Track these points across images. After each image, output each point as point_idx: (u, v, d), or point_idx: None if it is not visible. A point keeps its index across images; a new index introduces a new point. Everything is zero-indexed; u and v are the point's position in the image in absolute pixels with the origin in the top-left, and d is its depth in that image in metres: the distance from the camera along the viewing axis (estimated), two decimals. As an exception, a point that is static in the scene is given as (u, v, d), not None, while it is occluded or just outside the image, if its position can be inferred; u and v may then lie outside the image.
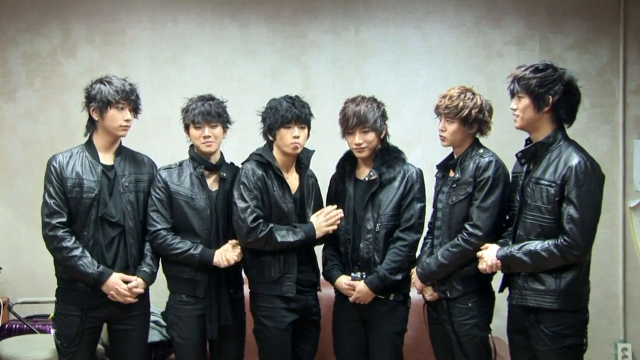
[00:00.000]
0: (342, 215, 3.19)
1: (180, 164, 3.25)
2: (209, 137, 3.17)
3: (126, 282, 3.09)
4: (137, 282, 3.11)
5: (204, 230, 3.17)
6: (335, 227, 3.19)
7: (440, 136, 3.06)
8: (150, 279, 3.17)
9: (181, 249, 3.14)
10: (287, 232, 3.11)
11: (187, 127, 3.24)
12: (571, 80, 2.73)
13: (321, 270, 3.36)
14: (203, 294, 3.16)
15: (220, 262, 3.11)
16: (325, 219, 3.18)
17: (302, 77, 4.58)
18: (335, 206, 3.22)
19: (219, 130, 3.21)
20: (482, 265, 2.86)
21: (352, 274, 3.16)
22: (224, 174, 3.24)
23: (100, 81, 3.13)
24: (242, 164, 3.24)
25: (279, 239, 3.08)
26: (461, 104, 2.96)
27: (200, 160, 3.22)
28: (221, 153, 3.31)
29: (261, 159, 3.15)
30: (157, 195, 3.18)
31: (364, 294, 3.13)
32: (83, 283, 3.05)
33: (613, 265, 4.42)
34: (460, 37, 4.56)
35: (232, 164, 3.34)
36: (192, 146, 3.28)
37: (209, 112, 3.16)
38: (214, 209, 3.18)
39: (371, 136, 3.16)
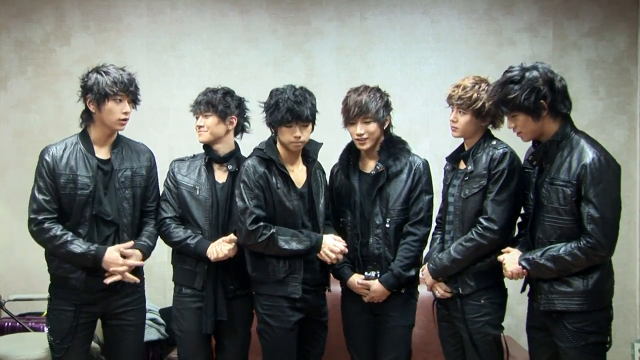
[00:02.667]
0: (342, 256, 3.10)
1: (195, 156, 3.30)
2: (201, 126, 3.20)
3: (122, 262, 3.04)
4: (134, 252, 3.05)
5: (205, 222, 3.17)
6: (331, 259, 3.09)
7: (452, 127, 3.01)
8: (147, 251, 3.13)
9: (179, 237, 3.16)
10: (291, 239, 3.04)
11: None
12: (547, 73, 2.64)
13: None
14: (201, 286, 3.15)
15: (212, 255, 3.08)
16: (332, 247, 3.07)
17: (306, 66, 4.55)
18: (344, 245, 3.11)
19: (211, 120, 3.18)
20: (506, 274, 2.81)
21: (366, 273, 3.13)
22: (230, 166, 3.21)
23: (97, 71, 3.03)
24: (245, 159, 3.19)
25: (282, 245, 3.02)
26: (475, 95, 2.91)
27: (207, 151, 3.25)
28: (236, 144, 3.29)
29: (263, 154, 3.09)
30: (166, 185, 3.26)
31: (379, 293, 3.10)
32: (82, 266, 2.97)
33: (630, 262, 4.36)
34: (471, 24, 4.51)
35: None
36: None
37: (199, 102, 3.21)
38: (215, 201, 3.17)
39: (373, 127, 3.10)
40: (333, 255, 3.07)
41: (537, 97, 2.61)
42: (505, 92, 2.64)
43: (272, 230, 3.01)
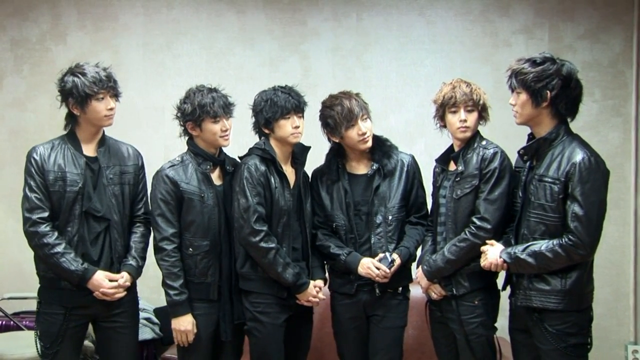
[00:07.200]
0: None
1: (182, 160, 3.12)
2: (227, 129, 3.09)
3: (111, 281, 3.01)
4: (123, 278, 3.02)
5: (211, 231, 3.07)
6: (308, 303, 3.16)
7: (464, 127, 2.97)
8: (136, 273, 3.08)
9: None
10: (287, 267, 3.02)
11: (200, 123, 3.07)
12: (570, 73, 2.67)
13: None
14: (216, 296, 3.08)
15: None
16: (313, 297, 3.12)
17: (302, 66, 4.54)
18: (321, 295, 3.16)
19: (230, 122, 3.13)
20: (484, 262, 2.82)
21: (381, 255, 3.07)
22: (229, 168, 3.17)
23: (72, 73, 2.98)
24: (243, 157, 3.16)
25: (278, 268, 3.00)
26: (476, 91, 2.98)
27: (205, 155, 3.12)
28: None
29: (264, 154, 3.07)
30: (162, 197, 3.04)
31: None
32: (67, 281, 2.97)
33: (624, 264, 4.34)
34: (466, 25, 4.50)
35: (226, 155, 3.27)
36: (191, 141, 3.16)
37: (226, 105, 3.09)
38: (222, 207, 3.10)
39: (370, 124, 3.13)
40: (315, 300, 3.11)
41: (545, 85, 2.63)
42: (522, 67, 2.68)
43: (276, 247, 3.00)
